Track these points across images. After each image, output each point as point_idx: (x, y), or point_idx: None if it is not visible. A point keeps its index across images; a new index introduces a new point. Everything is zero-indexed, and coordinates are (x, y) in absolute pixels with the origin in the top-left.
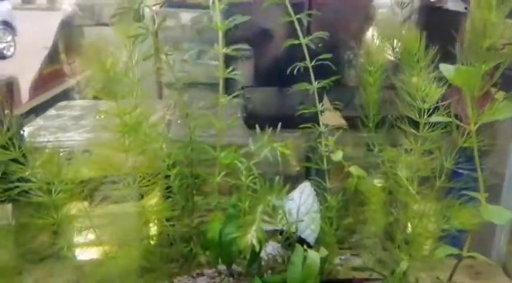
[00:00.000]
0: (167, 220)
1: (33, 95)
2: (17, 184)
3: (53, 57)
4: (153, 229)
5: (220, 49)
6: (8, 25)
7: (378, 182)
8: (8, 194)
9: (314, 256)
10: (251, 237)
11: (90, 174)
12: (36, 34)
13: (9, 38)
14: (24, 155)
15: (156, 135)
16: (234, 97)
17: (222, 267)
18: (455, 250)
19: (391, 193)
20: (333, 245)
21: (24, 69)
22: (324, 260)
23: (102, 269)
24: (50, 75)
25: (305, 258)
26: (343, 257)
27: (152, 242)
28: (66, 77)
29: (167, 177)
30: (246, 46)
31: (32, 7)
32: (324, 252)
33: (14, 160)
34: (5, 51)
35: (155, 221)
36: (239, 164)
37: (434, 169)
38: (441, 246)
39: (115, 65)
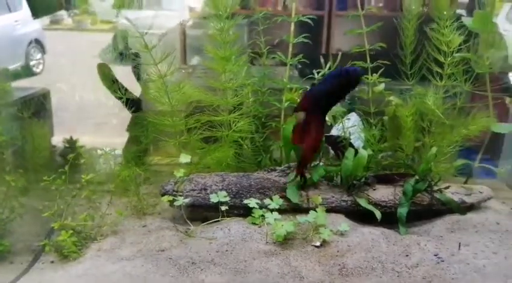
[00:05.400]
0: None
1: None
2: None
3: None
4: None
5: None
6: (39, 43)
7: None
8: None
9: (363, 153)
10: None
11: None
12: (62, 53)
13: (39, 55)
14: None
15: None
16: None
17: (291, 164)
18: (469, 162)
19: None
20: (376, 150)
21: (50, 84)
22: (370, 157)
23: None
24: None
25: (356, 154)
26: (383, 154)
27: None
28: None
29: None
30: None
31: (59, 27)
32: (369, 151)
33: None
34: (34, 68)
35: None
36: (297, 99)
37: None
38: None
39: None
